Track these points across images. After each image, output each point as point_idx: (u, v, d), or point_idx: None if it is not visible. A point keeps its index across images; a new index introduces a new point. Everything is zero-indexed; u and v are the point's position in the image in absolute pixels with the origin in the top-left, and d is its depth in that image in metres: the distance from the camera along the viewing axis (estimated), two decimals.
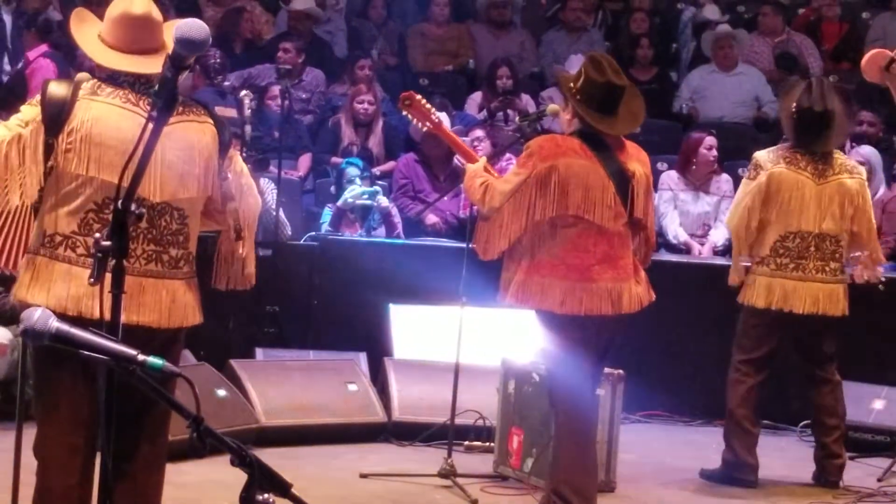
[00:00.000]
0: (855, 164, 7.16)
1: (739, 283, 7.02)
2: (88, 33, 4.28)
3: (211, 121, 4.30)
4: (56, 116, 4.12)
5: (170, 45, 4.04)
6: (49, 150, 4.13)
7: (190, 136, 4.19)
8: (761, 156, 6.97)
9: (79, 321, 2.82)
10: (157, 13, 4.24)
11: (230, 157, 4.38)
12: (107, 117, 4.13)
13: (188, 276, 4.30)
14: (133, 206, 3.35)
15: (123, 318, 3.40)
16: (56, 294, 4.08)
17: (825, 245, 6.87)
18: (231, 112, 10.36)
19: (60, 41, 10.12)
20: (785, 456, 7.64)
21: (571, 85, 5.75)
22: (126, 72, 4.18)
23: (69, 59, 9.86)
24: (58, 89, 4.17)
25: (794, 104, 6.91)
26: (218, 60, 10.69)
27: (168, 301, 4.21)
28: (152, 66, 4.11)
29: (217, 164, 4.30)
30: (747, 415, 6.93)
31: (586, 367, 5.73)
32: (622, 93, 5.74)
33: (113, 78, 4.20)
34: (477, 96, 11.70)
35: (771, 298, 6.85)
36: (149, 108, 4.06)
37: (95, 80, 4.20)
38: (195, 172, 4.21)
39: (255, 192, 4.55)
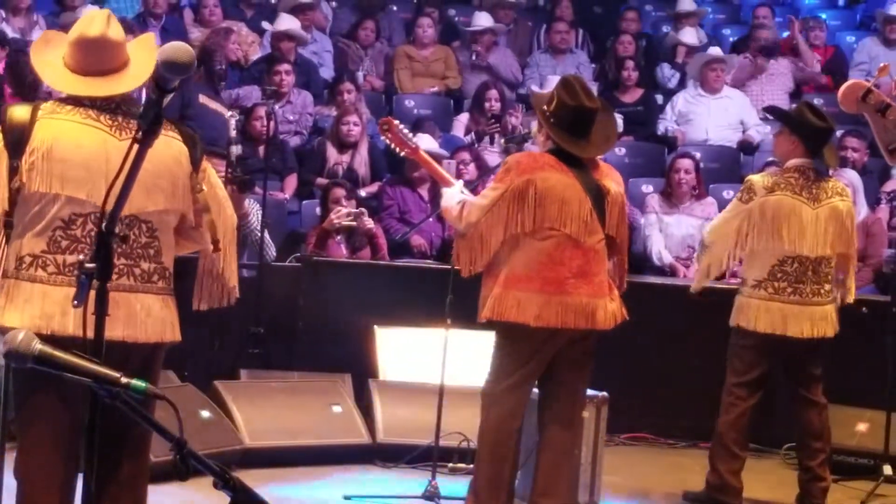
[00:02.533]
0: (843, 185, 7.13)
1: (699, 290, 7.07)
2: (50, 57, 4.31)
3: (179, 136, 4.32)
4: (18, 139, 4.17)
5: (136, 61, 4.21)
6: (14, 172, 4.16)
7: (156, 149, 4.19)
8: (756, 180, 6.93)
9: (52, 339, 2.81)
10: (115, 32, 4.25)
11: (203, 169, 4.39)
12: (67, 134, 4.17)
13: (164, 292, 4.30)
14: (110, 226, 3.33)
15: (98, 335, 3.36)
16: (29, 314, 4.09)
17: (821, 269, 6.85)
18: (223, 110, 10.39)
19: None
20: (768, 478, 7.64)
21: (545, 108, 5.82)
22: (81, 96, 4.23)
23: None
24: (17, 113, 4.21)
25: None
26: (223, 67, 10.75)
27: (143, 315, 4.20)
28: (110, 87, 4.19)
29: (188, 177, 4.32)
30: (737, 438, 6.90)
31: (530, 377, 5.84)
32: (594, 115, 5.81)
33: (74, 97, 4.24)
34: (463, 118, 11.71)
35: (769, 323, 6.80)
36: (109, 123, 4.18)
37: (55, 101, 4.25)
38: (162, 185, 4.22)
39: (231, 206, 4.55)
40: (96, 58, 4.21)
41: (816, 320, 6.84)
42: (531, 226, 5.71)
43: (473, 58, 12.80)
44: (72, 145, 4.16)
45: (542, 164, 5.77)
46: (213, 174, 4.46)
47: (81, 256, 3.35)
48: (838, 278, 6.96)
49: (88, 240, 4.14)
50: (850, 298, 7.00)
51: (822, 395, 7.01)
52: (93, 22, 4.23)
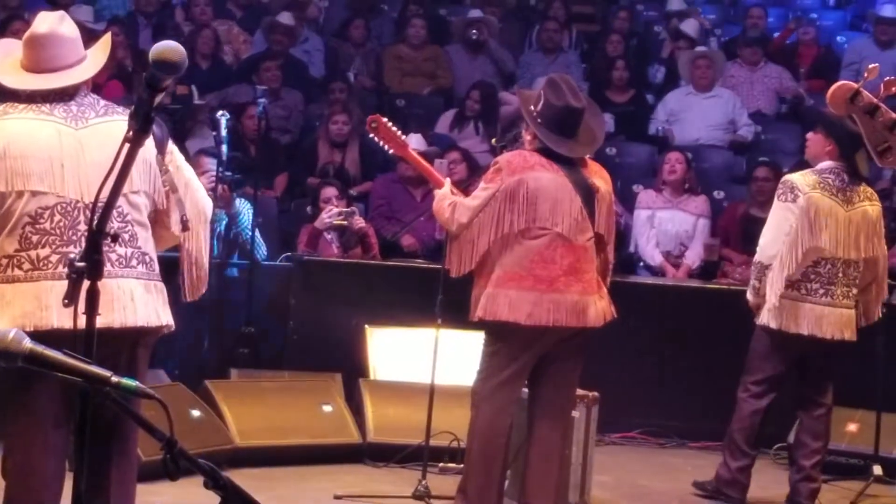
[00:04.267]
0: (873, 190, 7.07)
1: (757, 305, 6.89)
2: (5, 59, 4.34)
3: None
4: None
5: (90, 58, 4.28)
6: None
7: (115, 133, 4.16)
8: (796, 179, 6.84)
9: (36, 335, 2.81)
10: (67, 29, 4.30)
11: (170, 151, 4.38)
12: (21, 131, 4.19)
13: (146, 277, 4.27)
14: (100, 225, 3.31)
15: (81, 324, 3.31)
16: (10, 315, 4.08)
17: (850, 271, 6.82)
18: (183, 89, 10.31)
19: None
20: (759, 478, 7.61)
21: (532, 107, 5.83)
22: (34, 90, 4.25)
23: None
24: None
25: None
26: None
27: (126, 299, 4.18)
28: (62, 80, 4.23)
29: (153, 159, 4.29)
30: (749, 437, 6.93)
31: (520, 375, 5.83)
32: (581, 115, 5.83)
33: (28, 96, 4.26)
34: (449, 115, 11.65)
35: (801, 324, 6.77)
36: (63, 115, 4.22)
37: (8, 103, 4.26)
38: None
39: (203, 191, 4.52)
40: (49, 53, 4.26)
41: (844, 323, 6.84)
42: (523, 225, 5.72)
43: (474, 35, 12.70)
44: (27, 141, 4.17)
45: (533, 164, 5.79)
46: (179, 157, 4.45)
47: (72, 255, 3.33)
48: (870, 283, 6.93)
49: (58, 231, 4.14)
50: (875, 311, 7.00)
51: (831, 397, 7.01)
52: (44, 20, 4.30)
